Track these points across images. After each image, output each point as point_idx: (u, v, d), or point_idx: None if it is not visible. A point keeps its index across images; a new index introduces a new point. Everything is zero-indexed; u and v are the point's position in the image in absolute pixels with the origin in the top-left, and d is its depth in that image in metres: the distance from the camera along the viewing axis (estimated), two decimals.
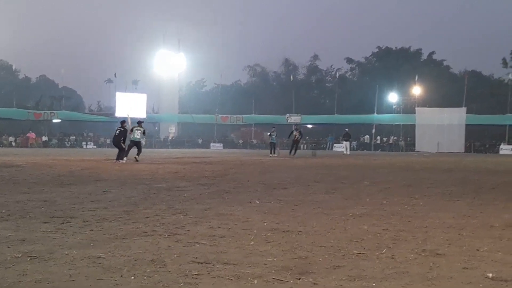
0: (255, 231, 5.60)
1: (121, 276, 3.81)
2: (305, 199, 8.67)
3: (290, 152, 31.16)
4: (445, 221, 6.46)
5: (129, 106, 56.90)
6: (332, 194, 9.63)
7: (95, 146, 58.64)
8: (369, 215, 6.93)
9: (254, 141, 66.76)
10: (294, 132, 32.12)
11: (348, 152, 34.47)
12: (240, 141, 67.10)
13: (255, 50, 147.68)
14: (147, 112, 64.67)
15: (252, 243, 4.99)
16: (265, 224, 6.10)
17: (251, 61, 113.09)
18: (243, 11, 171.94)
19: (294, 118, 63.25)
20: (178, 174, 14.40)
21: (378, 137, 60.75)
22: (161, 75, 69.39)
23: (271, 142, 31.92)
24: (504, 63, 72.46)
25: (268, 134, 34.61)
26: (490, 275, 3.86)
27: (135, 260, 4.25)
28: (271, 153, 30.70)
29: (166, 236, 5.31)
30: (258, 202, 8.22)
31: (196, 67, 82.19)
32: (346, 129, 37.79)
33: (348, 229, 5.83)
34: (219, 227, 5.84)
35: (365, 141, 60.41)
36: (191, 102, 78.04)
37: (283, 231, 5.63)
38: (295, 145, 31.81)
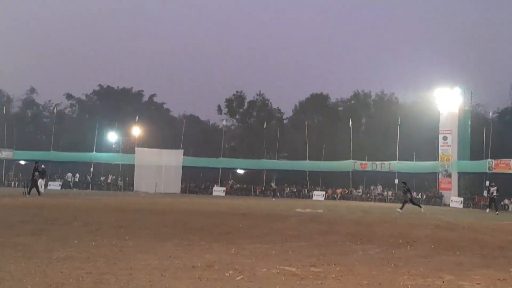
0: None
1: None
2: (6, 242, 8.00)
3: (38, 192, 29.22)
4: (151, 262, 6.47)
5: None
6: (38, 236, 9.05)
7: None
8: (75, 258, 6.63)
9: None
10: (39, 169, 30.13)
11: (42, 191, 32.96)
12: None
13: None
14: None
15: None
16: None
17: None
18: None
19: (5, 154, 59.23)
20: None
21: (78, 175, 59.28)
22: None
23: None
24: (219, 110, 77.64)
25: None
26: None
27: None
28: None
29: None
30: None
31: None
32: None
33: (49, 274, 5.49)
34: None
35: (75, 180, 58.55)
36: None
37: None
38: (33, 183, 29.70)
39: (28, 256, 6.70)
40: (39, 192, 29.22)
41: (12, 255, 6.76)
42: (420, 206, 28.54)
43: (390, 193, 49.82)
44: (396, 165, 50.10)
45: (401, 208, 27.04)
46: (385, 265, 7.22)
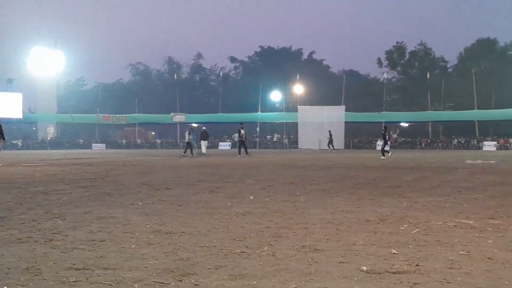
0: (137, 234, 5.49)
1: None
2: (189, 199, 8.63)
3: (240, 152, 30.50)
4: (324, 216, 6.66)
5: (4, 106, 54.23)
6: (216, 193, 9.65)
7: None
8: (252, 213, 7.00)
9: (138, 141, 65.70)
10: (242, 131, 31.11)
11: (205, 152, 34.31)
12: (124, 141, 65.78)
13: (137, 48, 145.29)
14: (23, 112, 61.80)
15: (133, 246, 4.90)
16: (148, 226, 6.01)
17: (133, 59, 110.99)
18: (124, 7, 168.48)
19: (178, 117, 62.98)
20: (56, 177, 13.86)
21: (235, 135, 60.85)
22: (37, 74, 66.27)
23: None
24: (379, 62, 76.09)
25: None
26: (365, 268, 4.02)
27: (9, 269, 4.03)
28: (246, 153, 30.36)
29: (43, 242, 5.09)
30: (141, 203, 8.08)
31: (75, 65, 79.58)
32: (204, 128, 37.70)
33: (231, 228, 5.86)
34: (99, 231, 5.68)
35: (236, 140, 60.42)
36: (71, 101, 75.48)
37: (166, 233, 5.57)
38: (243, 144, 31.09)
39: (209, 212, 7.17)
40: (246, 152, 30.59)
41: (196, 211, 7.28)
42: (384, 154, 26.88)
43: None
44: None
45: (383, 155, 26.47)
46: None
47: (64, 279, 3.77)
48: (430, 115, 58.40)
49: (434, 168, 17.89)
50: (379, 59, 75.99)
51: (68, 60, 71.02)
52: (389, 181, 12.37)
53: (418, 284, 3.65)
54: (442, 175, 14.60)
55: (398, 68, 76.07)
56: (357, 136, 61.14)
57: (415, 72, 73.47)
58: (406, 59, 75.27)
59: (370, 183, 11.86)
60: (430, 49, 74.24)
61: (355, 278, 3.78)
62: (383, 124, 29.25)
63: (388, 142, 28.17)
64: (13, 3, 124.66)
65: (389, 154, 27.36)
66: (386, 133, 28.09)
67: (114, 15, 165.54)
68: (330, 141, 45.67)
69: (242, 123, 32.95)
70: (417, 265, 4.13)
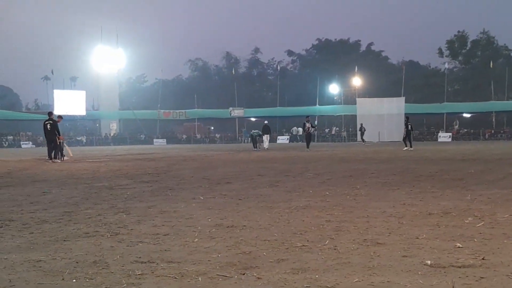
0: (199, 228, 5.57)
1: (62, 279, 3.73)
2: (249, 193, 8.69)
3: (308, 145, 29.75)
4: (386, 210, 6.59)
5: (68, 103, 55.85)
6: (275, 187, 9.68)
7: (33, 145, 57.26)
8: (312, 207, 6.99)
9: (198, 136, 66.49)
10: (307, 124, 30.76)
11: (267, 146, 33.85)
12: (184, 136, 66.70)
13: (196, 44, 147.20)
14: (86, 109, 63.55)
15: (196, 240, 4.97)
16: (209, 220, 6.09)
17: (192, 55, 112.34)
18: (182, 4, 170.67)
19: (237, 112, 63.33)
20: (120, 172, 14.20)
21: (297, 129, 60.37)
22: (100, 71, 67.97)
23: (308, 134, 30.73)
24: (440, 52, 74.38)
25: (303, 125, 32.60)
26: (429, 262, 3.96)
27: (77, 263, 4.16)
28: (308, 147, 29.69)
29: (109, 236, 5.23)
30: (202, 198, 8.19)
31: (136, 62, 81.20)
32: (266, 122, 37.40)
33: (291, 222, 5.87)
34: (163, 225, 5.79)
35: (299, 133, 60.31)
36: (132, 98, 77.11)
37: (228, 227, 5.63)
38: (306, 137, 30.76)
39: (269, 206, 7.20)
40: (307, 146, 29.75)
41: (256, 205, 7.32)
42: (405, 145, 27.57)
43: None
44: None
45: (408, 146, 27.22)
46: None
47: (130, 272, 3.87)
48: (493, 105, 56.75)
49: (498, 160, 17.41)
50: (440, 49, 74.40)
51: (129, 58, 72.64)
52: (452, 173, 12.11)
53: (484, 278, 3.57)
54: (507, 167, 14.20)
55: (460, 58, 74.26)
56: (418, 128, 60.01)
57: (477, 62, 71.55)
58: (468, 48, 73.40)
59: (432, 175, 11.65)
60: (493, 37, 72.20)
61: (419, 272, 3.73)
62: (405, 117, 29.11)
63: (404, 131, 28.42)
64: (76, 2, 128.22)
65: (411, 147, 27.03)
66: (409, 123, 27.86)
67: (173, 12, 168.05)
68: (362, 134, 45.42)
69: (308, 116, 32.70)
70: (483, 258, 4.04)
